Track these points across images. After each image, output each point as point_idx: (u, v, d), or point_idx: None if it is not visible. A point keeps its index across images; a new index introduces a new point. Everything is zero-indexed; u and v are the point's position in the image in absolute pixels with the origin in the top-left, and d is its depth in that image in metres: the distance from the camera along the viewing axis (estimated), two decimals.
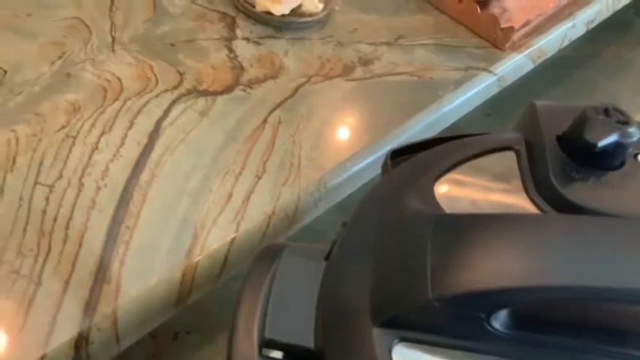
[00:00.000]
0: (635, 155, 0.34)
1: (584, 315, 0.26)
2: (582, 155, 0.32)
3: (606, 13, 0.83)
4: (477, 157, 0.35)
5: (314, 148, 0.53)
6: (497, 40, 0.68)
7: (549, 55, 0.74)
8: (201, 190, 0.48)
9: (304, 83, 0.59)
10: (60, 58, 0.55)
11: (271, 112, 0.55)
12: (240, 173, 0.50)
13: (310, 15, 0.64)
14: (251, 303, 0.31)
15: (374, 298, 0.27)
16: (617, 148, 0.32)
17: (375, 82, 0.61)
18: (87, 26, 0.59)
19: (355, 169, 0.53)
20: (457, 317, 0.25)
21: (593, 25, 0.82)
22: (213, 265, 0.45)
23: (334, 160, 0.53)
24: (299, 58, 0.61)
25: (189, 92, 0.55)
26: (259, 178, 0.50)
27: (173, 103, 0.54)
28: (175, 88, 0.55)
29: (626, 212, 0.30)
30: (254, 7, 0.63)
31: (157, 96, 0.54)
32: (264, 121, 0.54)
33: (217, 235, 0.45)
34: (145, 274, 0.42)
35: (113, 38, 0.59)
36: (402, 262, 0.27)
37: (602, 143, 0.31)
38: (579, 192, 0.31)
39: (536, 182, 0.32)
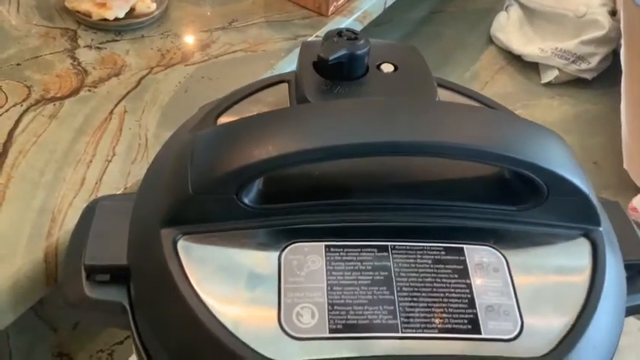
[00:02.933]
0: (378, 65, 0.41)
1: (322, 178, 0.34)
2: (327, 71, 0.39)
3: None
4: (256, 93, 0.42)
5: (159, 127, 0.59)
6: (321, 8, 0.76)
7: (375, 15, 0.83)
8: (56, 181, 0.53)
9: (146, 75, 0.65)
10: None
11: (117, 104, 0.61)
12: (91, 161, 0.55)
13: (145, 15, 0.70)
14: (76, 245, 0.37)
15: (158, 205, 0.33)
16: (351, 59, 0.39)
17: (213, 62, 0.68)
18: None
19: None
20: (216, 203, 0.32)
21: None
22: None
23: None
24: (140, 54, 0.67)
25: (37, 102, 0.60)
26: (109, 161, 0.56)
27: (23, 113, 0.59)
28: (25, 100, 0.60)
29: None
30: (90, 17, 0.68)
31: (7, 111, 0.59)
32: (111, 112, 0.60)
33: (74, 215, 0.50)
34: (9, 260, 0.47)
35: None
36: (174, 170, 0.33)
37: (332, 57, 0.38)
38: (325, 99, 0.38)
39: (298, 100, 0.39)
